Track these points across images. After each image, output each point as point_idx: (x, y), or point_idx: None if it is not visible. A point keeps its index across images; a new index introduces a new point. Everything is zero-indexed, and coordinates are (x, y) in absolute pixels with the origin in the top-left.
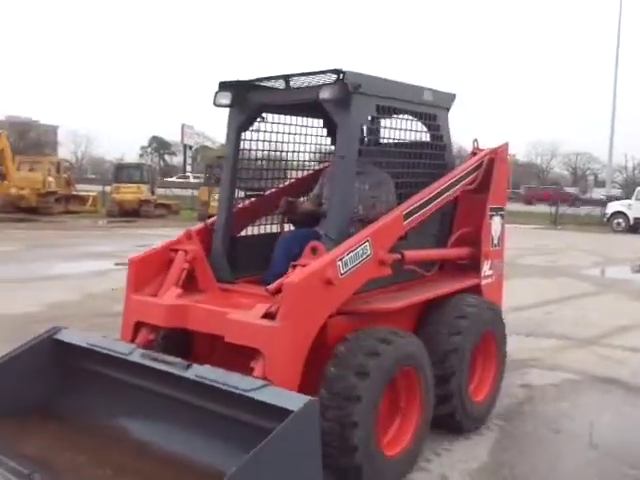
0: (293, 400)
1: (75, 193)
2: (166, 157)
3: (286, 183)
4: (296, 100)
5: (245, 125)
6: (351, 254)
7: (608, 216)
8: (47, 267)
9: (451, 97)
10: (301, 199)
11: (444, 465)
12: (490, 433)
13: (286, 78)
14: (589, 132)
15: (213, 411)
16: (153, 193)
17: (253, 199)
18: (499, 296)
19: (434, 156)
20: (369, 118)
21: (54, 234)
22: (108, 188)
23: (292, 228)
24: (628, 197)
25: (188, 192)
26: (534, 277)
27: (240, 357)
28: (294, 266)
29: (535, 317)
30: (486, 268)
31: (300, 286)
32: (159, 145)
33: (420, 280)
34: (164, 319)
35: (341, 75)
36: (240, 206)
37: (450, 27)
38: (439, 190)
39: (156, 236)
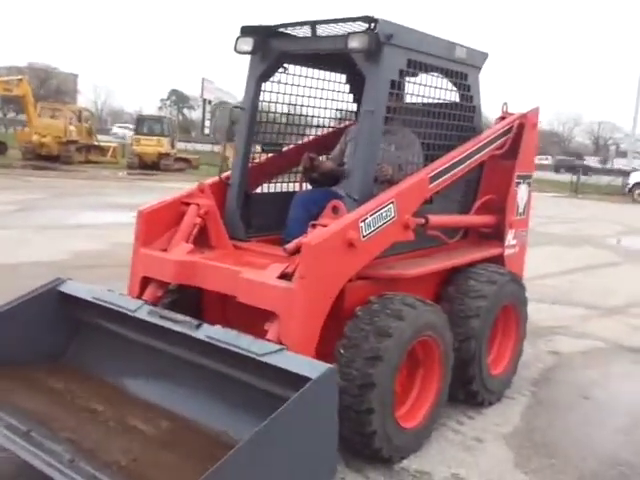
0: (311, 367)
1: (96, 143)
2: (185, 111)
3: (305, 140)
4: (322, 49)
5: (266, 75)
6: (374, 215)
7: (630, 186)
8: (72, 216)
9: (484, 56)
10: (321, 157)
11: (477, 428)
12: (522, 398)
13: (313, 25)
14: (614, 101)
15: (223, 374)
16: (173, 147)
17: (270, 155)
18: (521, 267)
19: (463, 118)
20: (399, 72)
21: (75, 183)
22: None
23: (309, 187)
24: None
25: (208, 147)
26: (558, 245)
27: (253, 318)
28: (314, 225)
29: (560, 285)
30: (510, 238)
31: (320, 247)
32: (178, 98)
33: (442, 247)
34: (172, 275)
35: (372, 24)
36: (256, 162)
37: None
38: (467, 153)
39: (177, 190)
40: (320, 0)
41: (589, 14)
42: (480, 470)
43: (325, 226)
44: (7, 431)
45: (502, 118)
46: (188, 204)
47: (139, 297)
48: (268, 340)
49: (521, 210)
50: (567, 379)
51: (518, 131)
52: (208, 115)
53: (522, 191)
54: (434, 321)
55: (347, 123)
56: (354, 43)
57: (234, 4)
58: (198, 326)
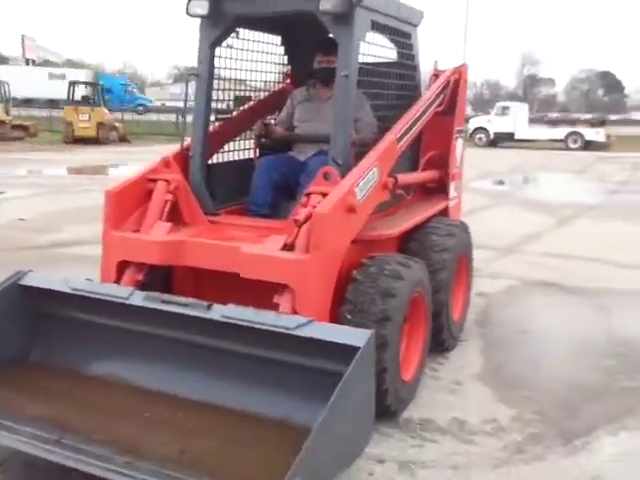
0: (353, 335)
1: None
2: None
3: (251, 104)
4: (284, 11)
5: (219, 40)
6: (364, 179)
7: (470, 131)
8: None
9: (421, 14)
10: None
11: (451, 372)
12: (474, 340)
13: None
14: (444, 47)
15: (246, 354)
16: (8, 113)
17: (220, 123)
18: (459, 216)
19: (407, 77)
20: (366, 35)
21: None
22: None
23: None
24: (477, 114)
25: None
26: None
27: (235, 292)
28: (308, 194)
29: None
30: (452, 190)
31: (330, 215)
32: None
33: (401, 205)
34: (159, 257)
35: None
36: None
37: None
38: (420, 112)
39: (23, 161)
40: None
41: None
42: (473, 410)
43: (324, 194)
44: (36, 442)
45: (435, 75)
46: (155, 180)
47: (116, 283)
48: (283, 313)
49: (458, 163)
50: (502, 317)
51: (454, 87)
52: None
53: (459, 145)
54: (422, 277)
55: (284, 85)
56: (327, 5)
57: None
58: (209, 307)
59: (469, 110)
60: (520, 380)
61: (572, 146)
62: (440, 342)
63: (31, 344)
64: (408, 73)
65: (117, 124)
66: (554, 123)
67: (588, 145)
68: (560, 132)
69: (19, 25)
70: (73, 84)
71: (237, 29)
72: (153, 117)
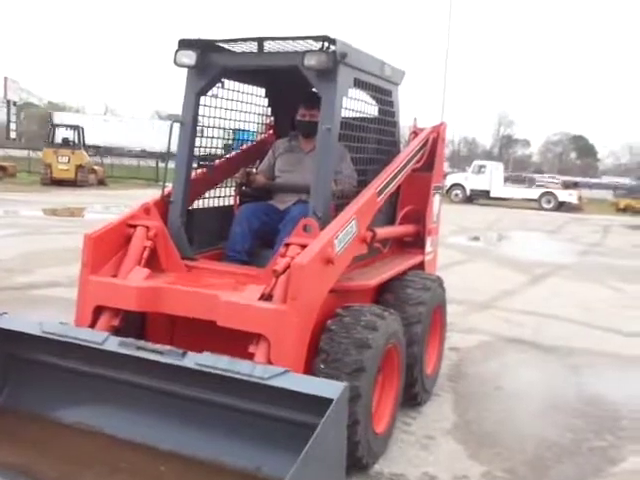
0: (327, 387)
1: None
2: None
3: (232, 153)
4: (270, 66)
5: (205, 89)
6: (343, 232)
7: (447, 188)
8: None
9: (402, 73)
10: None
11: (423, 427)
12: (446, 394)
13: (260, 41)
14: (421, 104)
15: (217, 403)
16: None
17: (201, 170)
18: (434, 270)
19: (387, 132)
20: (348, 91)
21: None
22: None
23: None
24: (454, 170)
25: (23, 153)
26: None
27: (209, 340)
28: (287, 245)
29: None
30: (428, 244)
31: (309, 267)
32: None
33: (377, 257)
34: (136, 303)
35: (329, 43)
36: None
37: None
38: (400, 167)
39: (6, 201)
40: None
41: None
42: (443, 466)
43: (303, 245)
44: None
45: (415, 133)
46: (134, 226)
47: (91, 328)
48: (258, 363)
49: (435, 218)
50: (475, 372)
51: (433, 144)
52: (13, 117)
53: (436, 200)
54: (397, 329)
55: (266, 136)
56: (312, 61)
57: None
58: (184, 354)
59: (446, 167)
60: (491, 437)
61: (545, 206)
62: (413, 396)
63: (17, 391)
64: (388, 129)
65: (97, 167)
66: (529, 183)
67: (561, 206)
68: (534, 192)
69: (2, 66)
70: (54, 126)
71: (223, 80)
72: (133, 162)
